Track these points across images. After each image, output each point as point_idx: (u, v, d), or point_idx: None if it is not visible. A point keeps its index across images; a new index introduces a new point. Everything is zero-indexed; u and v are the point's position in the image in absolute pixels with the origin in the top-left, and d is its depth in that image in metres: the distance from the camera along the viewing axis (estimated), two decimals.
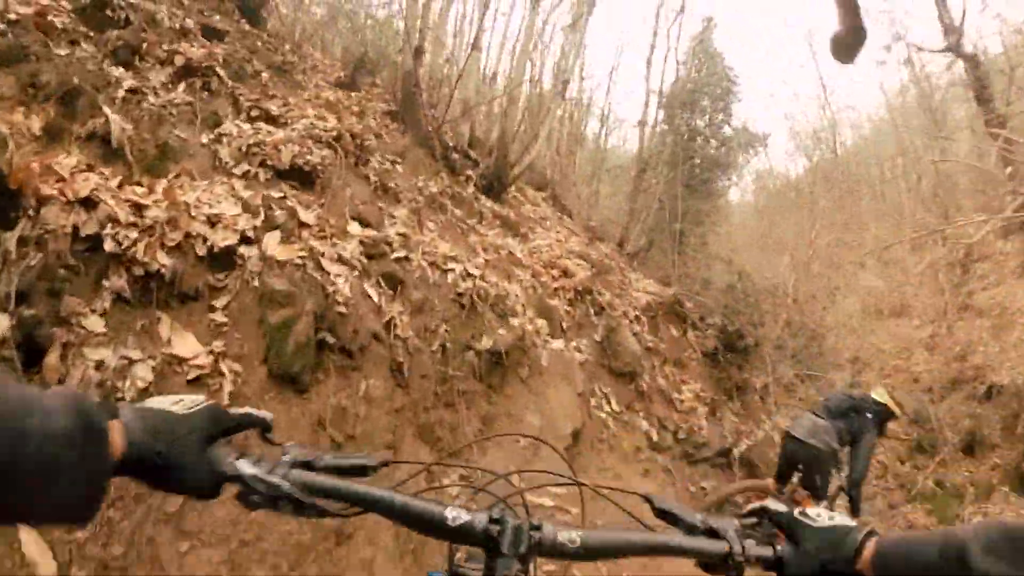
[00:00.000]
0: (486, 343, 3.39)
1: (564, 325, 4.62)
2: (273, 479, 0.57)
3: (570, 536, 0.60)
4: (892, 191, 15.67)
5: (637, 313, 5.70)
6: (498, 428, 3.44)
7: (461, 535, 0.60)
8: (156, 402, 0.58)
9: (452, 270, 3.67)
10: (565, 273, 5.10)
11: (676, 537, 0.65)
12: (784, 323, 5.70)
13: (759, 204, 15.03)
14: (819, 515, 0.65)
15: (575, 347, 4.60)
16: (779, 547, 0.65)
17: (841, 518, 0.65)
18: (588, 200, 10.19)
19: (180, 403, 0.58)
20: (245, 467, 0.57)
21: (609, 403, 4.54)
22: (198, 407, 0.59)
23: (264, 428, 0.65)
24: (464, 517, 0.59)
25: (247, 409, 0.65)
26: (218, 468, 0.57)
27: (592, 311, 5.17)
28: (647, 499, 0.69)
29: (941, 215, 11.57)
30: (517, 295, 4.09)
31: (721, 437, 5.62)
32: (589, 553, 0.61)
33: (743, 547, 0.63)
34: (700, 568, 0.66)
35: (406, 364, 2.93)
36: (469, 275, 3.72)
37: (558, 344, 4.24)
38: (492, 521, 0.59)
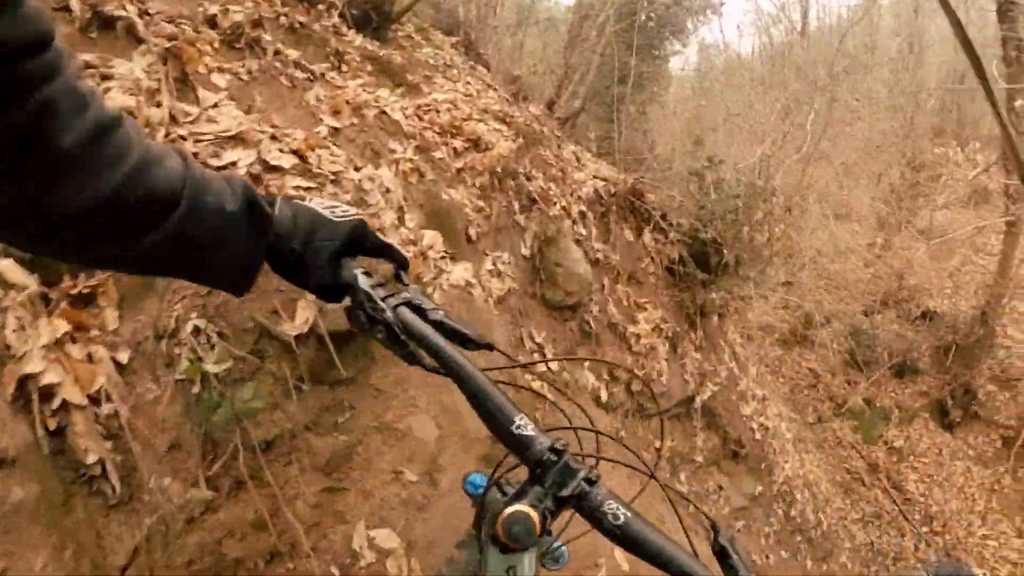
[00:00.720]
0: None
1: (472, 233, 2.77)
2: (382, 304, 0.60)
3: (616, 509, 0.52)
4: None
5: (582, 209, 3.93)
6: (353, 467, 1.69)
7: (518, 446, 0.56)
8: (315, 203, 0.64)
9: (234, 163, 1.70)
10: (476, 144, 3.14)
11: None
12: (771, 236, 4.14)
13: (704, 82, 13.22)
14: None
15: (491, 270, 2.81)
16: None
17: None
18: (511, 54, 7.97)
19: (334, 209, 0.63)
20: (364, 282, 0.61)
21: (544, 358, 2.87)
22: (347, 218, 0.63)
23: (400, 265, 0.67)
24: (529, 431, 0.56)
25: (392, 243, 0.67)
26: (341, 277, 0.61)
27: (517, 206, 3.34)
28: (713, 526, 0.58)
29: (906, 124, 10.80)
30: (386, 188, 2.17)
31: (683, 381, 4.20)
32: (624, 538, 0.52)
33: None
34: None
35: None
36: (272, 168, 1.76)
37: (462, 272, 2.42)
38: (552, 449, 0.55)
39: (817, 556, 5.79)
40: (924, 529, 7.46)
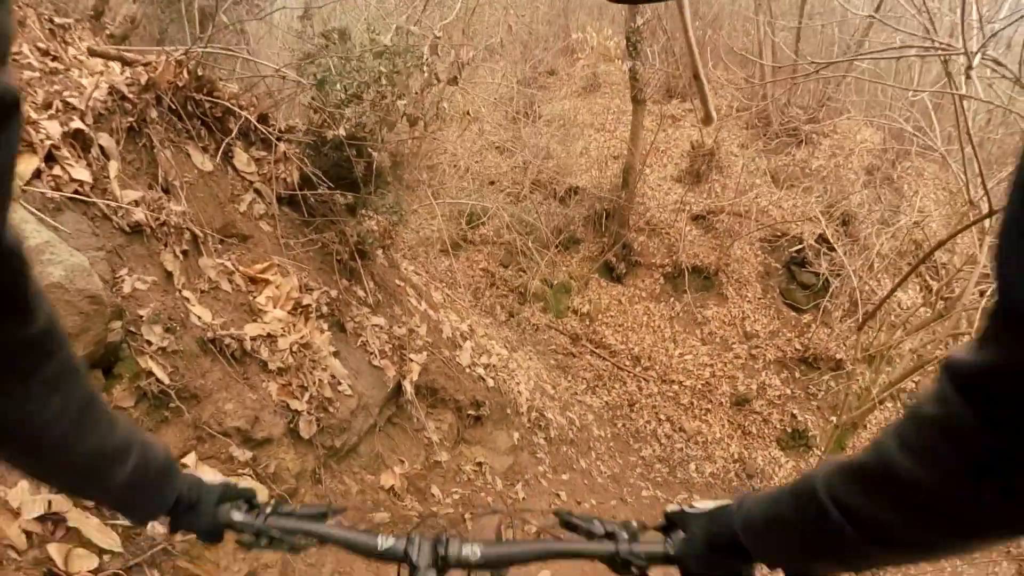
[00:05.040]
0: None
1: None
2: (257, 523, 0.76)
3: (472, 549, 0.72)
4: None
5: (79, 127, 1.83)
6: None
7: (388, 555, 0.74)
8: (198, 474, 0.77)
9: None
10: None
11: (572, 543, 0.75)
12: (439, 113, 2.70)
13: None
14: (704, 504, 0.70)
15: None
16: (669, 540, 0.70)
17: (722, 501, 0.67)
18: None
19: (212, 478, 0.79)
20: (237, 516, 0.77)
21: None
22: (221, 483, 0.78)
23: (252, 497, 0.81)
24: (389, 542, 0.75)
25: (245, 485, 0.82)
26: (221, 519, 0.76)
27: None
28: (556, 514, 0.79)
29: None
30: None
31: (375, 370, 2.62)
32: (491, 563, 0.73)
33: (630, 546, 0.71)
34: (613, 570, 0.72)
35: None
36: None
37: None
38: (408, 542, 0.74)
39: (583, 451, 5.26)
40: (637, 369, 7.81)
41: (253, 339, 2.23)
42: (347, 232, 2.74)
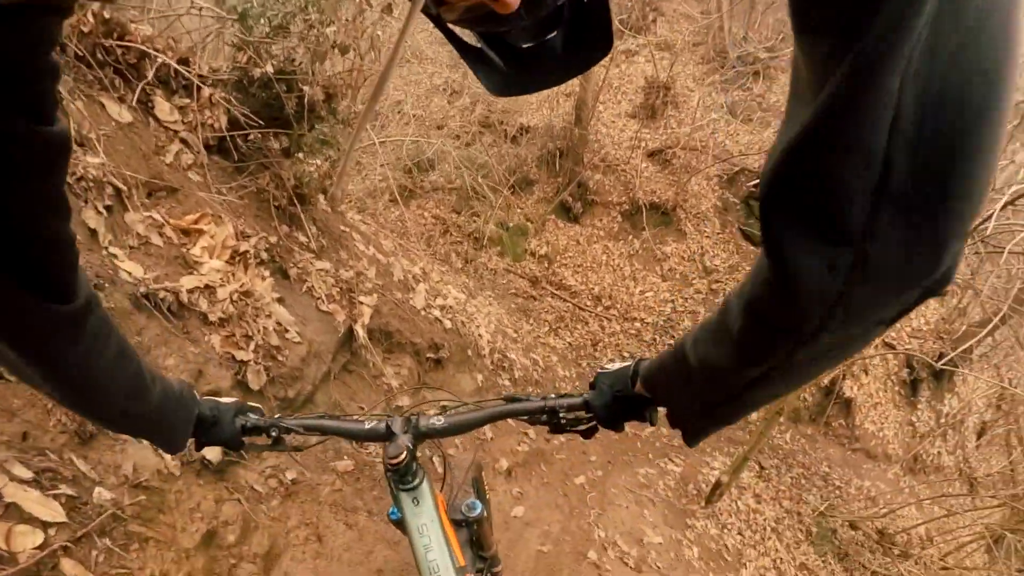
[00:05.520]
0: None
1: None
2: (269, 422, 0.95)
3: (437, 420, 0.98)
4: None
5: None
6: None
7: (372, 434, 0.97)
8: (214, 398, 0.94)
9: None
10: None
11: (512, 406, 0.95)
12: (373, 43, 2.54)
13: None
14: (613, 365, 0.88)
15: None
16: (586, 394, 0.90)
17: (627, 363, 0.85)
18: None
19: (224, 399, 0.95)
20: (252, 419, 0.94)
21: None
22: (233, 401, 0.95)
23: (261, 411, 0.99)
24: (372, 423, 0.97)
25: (254, 404, 0.99)
26: (239, 427, 0.92)
27: None
28: (503, 397, 0.98)
29: None
30: None
31: (323, 316, 2.55)
32: (452, 429, 0.98)
33: (556, 401, 0.92)
34: (547, 429, 0.94)
35: None
36: None
37: None
38: (388, 421, 0.96)
39: (547, 391, 5.32)
40: (598, 309, 7.91)
41: (190, 291, 2.13)
42: (283, 176, 2.60)
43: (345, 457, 2.59)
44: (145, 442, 1.53)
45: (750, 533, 4.72)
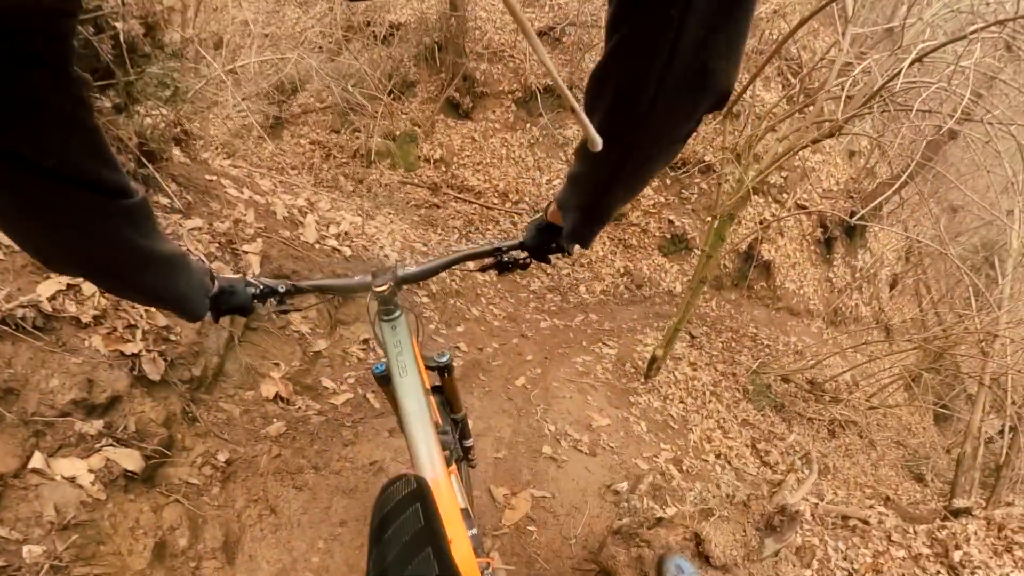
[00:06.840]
0: None
1: None
2: (274, 284, 1.12)
3: (412, 267, 1.19)
4: None
5: None
6: None
7: (358, 286, 1.17)
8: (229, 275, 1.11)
9: None
10: None
11: (471, 250, 1.19)
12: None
13: None
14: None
15: None
16: (520, 237, 1.11)
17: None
18: None
19: (237, 275, 1.15)
20: (260, 288, 1.10)
21: None
22: (239, 276, 1.11)
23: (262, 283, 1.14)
24: (359, 277, 1.17)
25: (266, 280, 1.13)
26: (251, 293, 1.08)
27: None
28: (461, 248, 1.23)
29: None
30: None
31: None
32: (425, 273, 1.20)
33: (500, 244, 1.17)
34: (495, 270, 1.21)
35: None
36: None
37: None
38: (372, 272, 1.16)
39: (471, 300, 5.32)
40: (507, 205, 7.80)
41: (51, 299, 1.84)
42: (122, 136, 2.22)
43: (275, 420, 2.47)
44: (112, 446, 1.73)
45: (691, 400, 5.09)
